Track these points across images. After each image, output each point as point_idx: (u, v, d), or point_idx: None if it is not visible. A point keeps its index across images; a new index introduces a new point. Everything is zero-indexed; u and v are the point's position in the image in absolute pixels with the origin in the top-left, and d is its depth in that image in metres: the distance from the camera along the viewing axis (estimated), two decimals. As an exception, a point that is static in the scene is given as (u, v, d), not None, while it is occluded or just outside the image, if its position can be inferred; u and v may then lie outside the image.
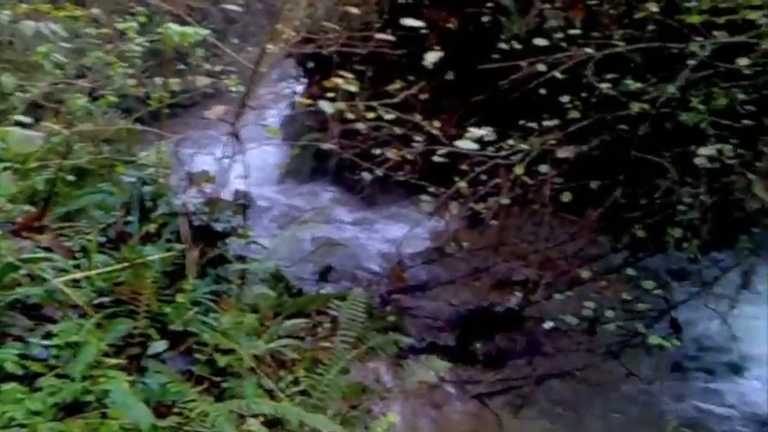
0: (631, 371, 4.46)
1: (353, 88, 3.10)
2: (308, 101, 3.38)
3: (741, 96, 4.16)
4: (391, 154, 4.08)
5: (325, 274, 5.26)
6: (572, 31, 4.44)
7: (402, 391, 3.24)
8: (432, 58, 3.61)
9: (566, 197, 4.55)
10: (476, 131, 3.22)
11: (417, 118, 4.48)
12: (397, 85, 3.95)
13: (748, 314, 4.64)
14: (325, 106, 3.32)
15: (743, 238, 4.47)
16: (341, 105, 3.45)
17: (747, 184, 4.26)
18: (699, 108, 4.20)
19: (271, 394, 2.59)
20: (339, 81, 3.29)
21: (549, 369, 4.59)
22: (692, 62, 4.12)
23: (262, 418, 2.25)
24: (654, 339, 4.25)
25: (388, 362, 3.80)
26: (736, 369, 4.51)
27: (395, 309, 4.96)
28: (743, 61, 4.05)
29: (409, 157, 4.31)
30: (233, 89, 3.43)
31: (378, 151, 4.45)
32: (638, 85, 4.33)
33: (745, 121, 4.22)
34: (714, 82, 4.33)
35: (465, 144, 3.13)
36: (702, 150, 4.14)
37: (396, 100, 3.77)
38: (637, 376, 4.47)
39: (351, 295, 2.98)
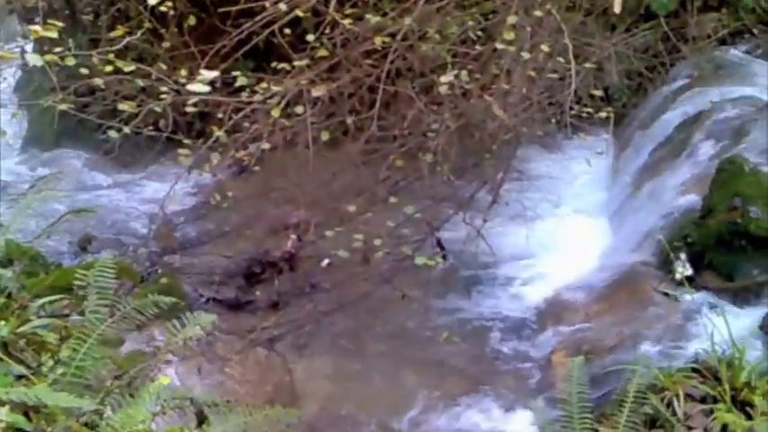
0: (405, 293, 4.70)
1: (53, 35, 2.84)
2: (10, 55, 3.06)
3: (471, 23, 4.44)
4: (127, 107, 3.85)
5: (84, 245, 4.92)
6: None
7: (178, 350, 3.15)
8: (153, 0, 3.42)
9: (324, 136, 4.61)
10: (207, 74, 3.13)
11: (162, 68, 4.27)
12: (118, 31, 3.71)
13: (499, 225, 5.06)
14: (32, 58, 3.03)
15: (487, 157, 4.83)
16: (51, 57, 3.16)
17: (486, 106, 4.58)
18: (435, 38, 4.42)
19: (27, 379, 2.40)
20: (38, 29, 2.98)
21: (330, 304, 4.71)
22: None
23: (8, 406, 2.07)
24: (420, 260, 4.50)
25: (164, 325, 3.67)
26: (494, 278, 4.92)
27: (167, 270, 4.79)
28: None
29: (157, 109, 4.11)
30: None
31: (123, 107, 4.19)
32: (378, 19, 4.45)
33: (478, 47, 4.52)
34: (447, 12, 4.58)
35: (197, 87, 3.03)
36: (443, 78, 4.36)
37: (118, 47, 3.54)
38: (410, 297, 4.73)
39: (97, 263, 2.81)
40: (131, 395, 2.24)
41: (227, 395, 3.62)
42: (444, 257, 5.01)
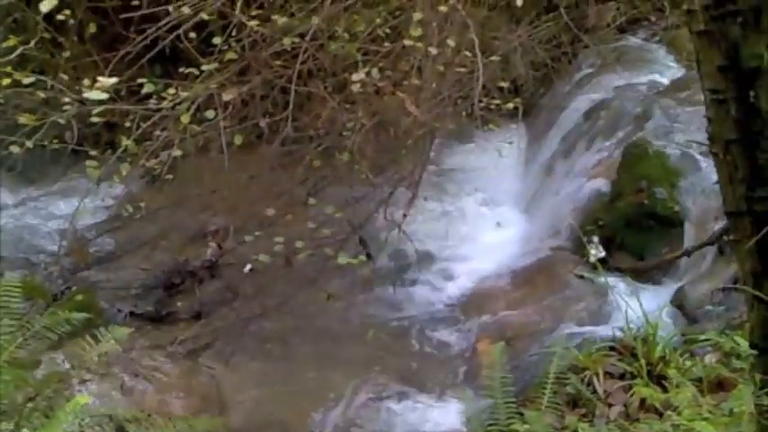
0: (329, 293, 4.68)
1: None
2: None
3: (378, 21, 4.46)
4: (28, 120, 3.71)
5: (-9, 267, 4.69)
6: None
7: (97, 368, 3.05)
8: (46, 6, 3.29)
9: (238, 140, 4.55)
10: (105, 81, 3.04)
11: (64, 78, 4.13)
12: (11, 41, 3.56)
13: (420, 220, 5.10)
14: None
15: (403, 153, 4.87)
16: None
17: (399, 102, 4.61)
18: (344, 36, 4.42)
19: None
20: None
21: (254, 310, 4.65)
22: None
23: None
24: (342, 260, 4.49)
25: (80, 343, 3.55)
26: (417, 271, 4.94)
27: (81, 286, 4.63)
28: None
29: (61, 121, 3.96)
30: None
31: (24, 120, 4.02)
32: (285, 19, 4.42)
33: (387, 45, 4.54)
34: (355, 10, 4.59)
35: (95, 95, 2.94)
36: (355, 76, 4.37)
37: (12, 57, 3.40)
38: (335, 297, 4.70)
39: (2, 283, 2.69)
40: (47, 416, 2.15)
41: (151, 410, 3.52)
42: (368, 256, 5.01)
